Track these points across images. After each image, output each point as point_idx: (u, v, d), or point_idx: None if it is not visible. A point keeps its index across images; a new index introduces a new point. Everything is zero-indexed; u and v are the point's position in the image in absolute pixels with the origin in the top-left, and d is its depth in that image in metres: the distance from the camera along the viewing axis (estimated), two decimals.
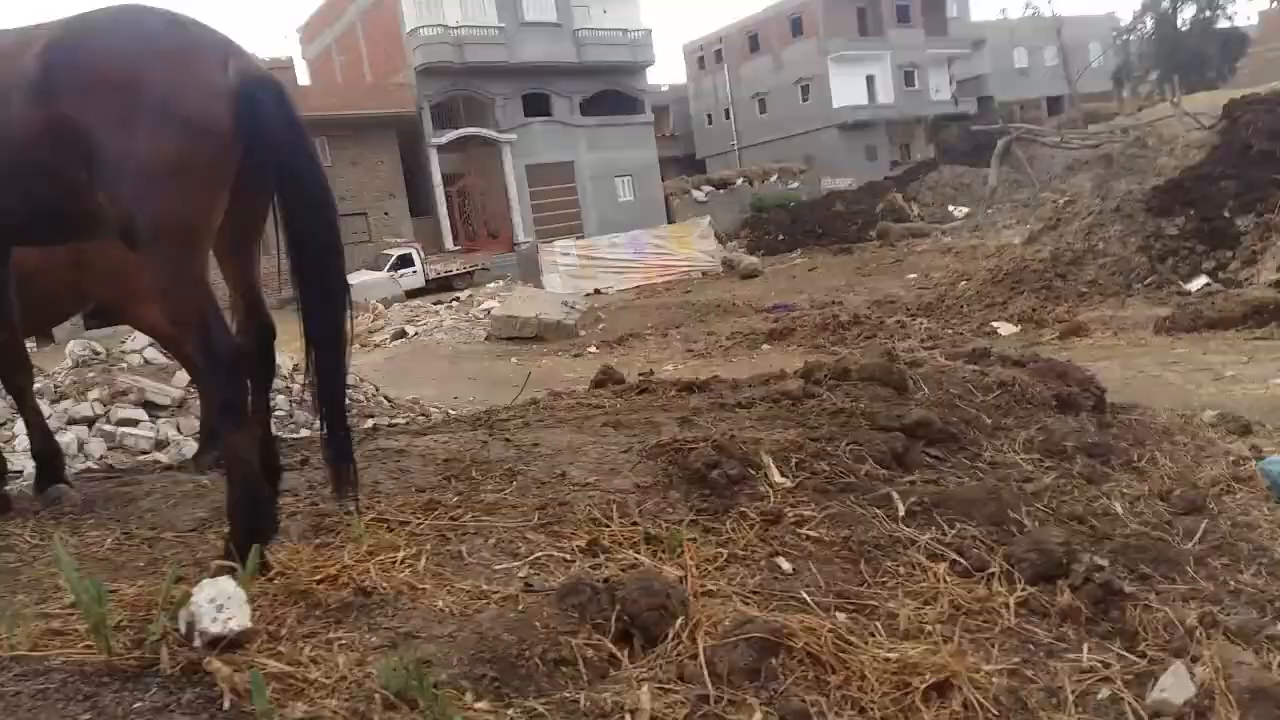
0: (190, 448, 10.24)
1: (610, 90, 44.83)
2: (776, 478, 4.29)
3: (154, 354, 11.84)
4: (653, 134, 46.97)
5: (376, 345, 21.14)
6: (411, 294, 33.23)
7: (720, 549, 3.49)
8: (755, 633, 2.66)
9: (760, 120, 56.86)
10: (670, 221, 43.79)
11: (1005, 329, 14.33)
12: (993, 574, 3.38)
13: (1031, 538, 3.66)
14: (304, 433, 8.57)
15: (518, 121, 41.70)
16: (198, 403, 11.27)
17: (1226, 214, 14.49)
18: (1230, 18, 55.85)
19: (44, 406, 10.41)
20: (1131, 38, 60.23)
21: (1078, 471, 4.90)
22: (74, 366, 11.39)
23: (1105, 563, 3.41)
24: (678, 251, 26.68)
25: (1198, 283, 14.07)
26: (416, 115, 39.25)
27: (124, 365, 11.38)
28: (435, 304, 25.58)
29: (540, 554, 3.25)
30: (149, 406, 10.84)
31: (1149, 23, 58.35)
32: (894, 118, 53.12)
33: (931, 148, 49.09)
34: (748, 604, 3.01)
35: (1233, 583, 3.49)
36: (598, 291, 25.18)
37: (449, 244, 39.68)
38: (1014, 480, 4.59)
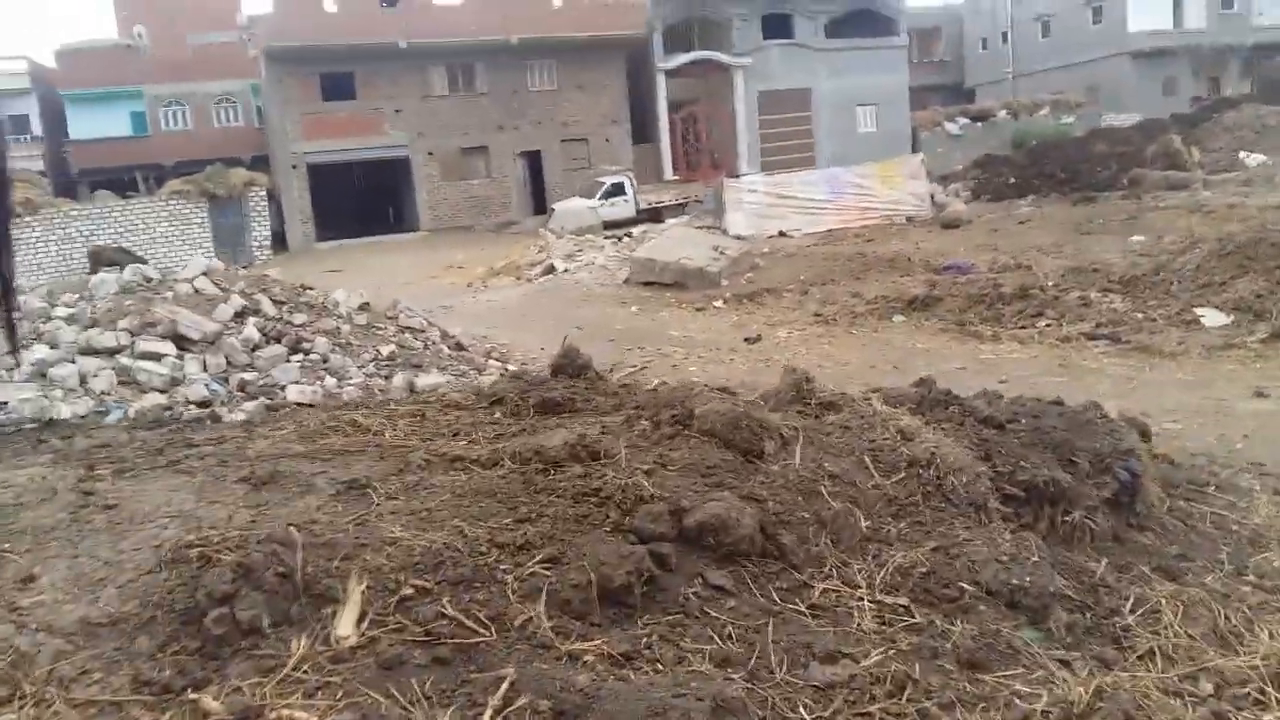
0: (197, 390, 9.76)
1: (862, 9, 41.10)
2: (343, 627, 2.65)
3: (205, 284, 11.49)
4: (905, 58, 42.80)
5: (525, 280, 20.37)
6: (620, 224, 32.21)
7: None
8: None
9: (1041, 45, 50.35)
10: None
11: (1212, 318, 11.00)
12: None
13: None
14: None
15: (754, 44, 39.26)
16: (229, 339, 10.84)
17: None
18: None
19: (70, 333, 10.32)
20: None
21: (956, 644, 2.86)
22: (118, 293, 11.26)
23: None
24: (881, 193, 23.70)
25: None
26: (647, 37, 37.85)
27: (169, 295, 11.08)
28: (610, 238, 24.44)
29: None
30: (180, 340, 10.45)
31: None
32: (1203, 44, 45.06)
33: (1248, 82, 41.23)
34: None
35: None
36: (782, 234, 22.88)
37: (668, 173, 38.35)
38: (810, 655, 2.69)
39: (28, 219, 31.37)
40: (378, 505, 3.20)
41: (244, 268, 32.87)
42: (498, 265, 23.19)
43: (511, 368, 11.78)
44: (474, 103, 36.98)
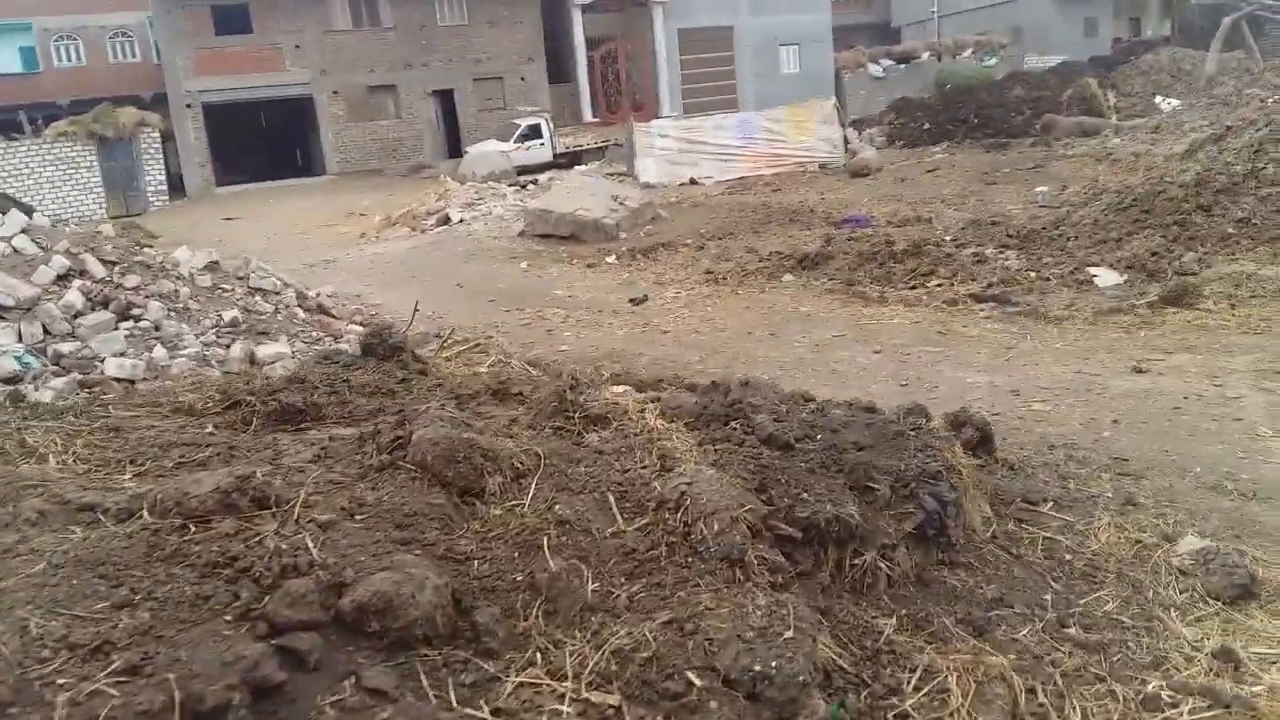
0: (5, 364, 8.78)
1: None
2: None
3: (25, 243, 10.39)
4: None
5: (420, 231, 19.35)
6: (537, 169, 31.03)
7: None
8: None
9: None
10: (838, 98, 39.26)
11: (1106, 277, 10.59)
12: None
13: None
14: None
15: None
16: (48, 305, 9.80)
17: None
18: None
19: None
20: None
21: None
22: None
23: None
24: (794, 138, 22.97)
25: None
26: None
27: None
28: (514, 186, 23.41)
29: None
30: None
31: None
32: None
33: (1167, 24, 41.17)
34: None
35: None
36: (694, 182, 22.12)
37: (587, 115, 37.16)
38: None
39: None
40: None
41: (137, 214, 31.23)
42: (395, 214, 22.08)
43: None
44: (380, 38, 35.16)
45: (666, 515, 2.84)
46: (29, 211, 31.34)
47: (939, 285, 10.95)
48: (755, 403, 3.74)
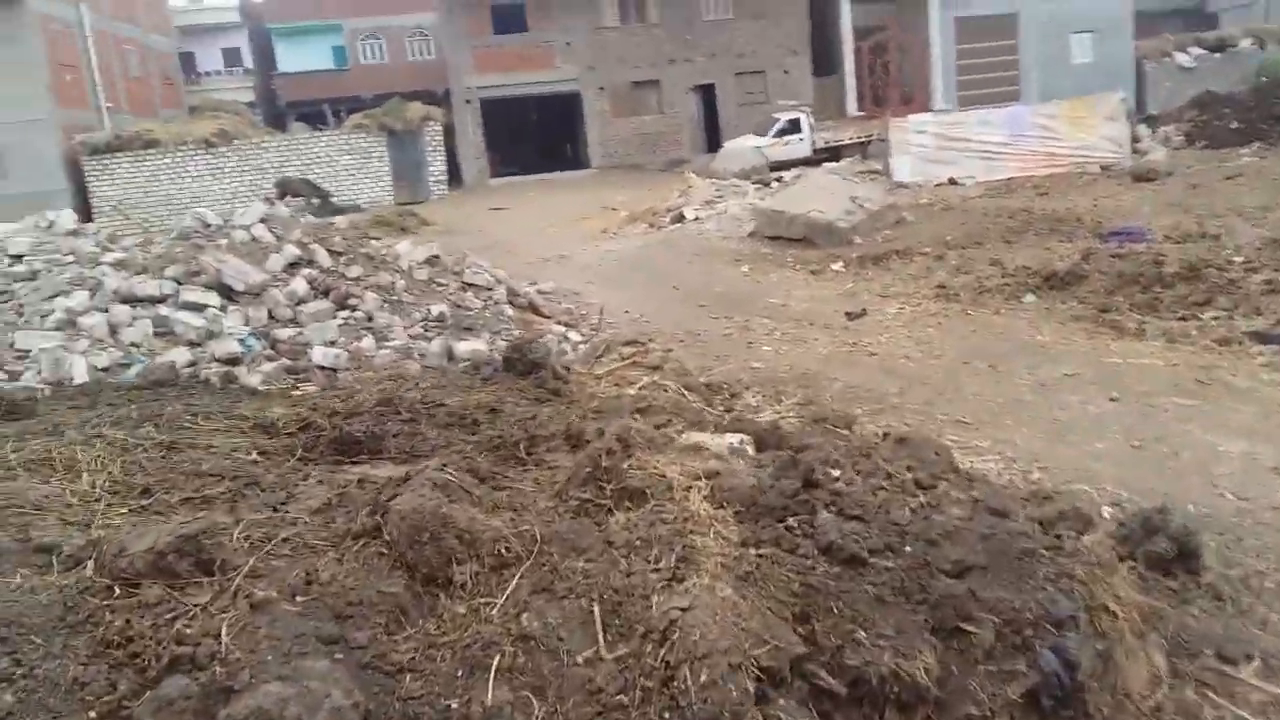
0: (227, 345, 9.35)
1: None
2: None
3: (262, 231, 11.09)
4: None
5: (654, 229, 19.18)
6: (793, 165, 30.16)
7: None
8: None
9: None
10: (1139, 92, 35.21)
11: None
12: None
13: None
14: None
15: None
16: (274, 291, 10.38)
17: None
18: None
19: (114, 279, 10.12)
20: None
21: None
22: (176, 238, 11.03)
23: None
24: (1071, 136, 20.62)
25: None
26: None
27: (224, 242, 10.75)
28: (758, 183, 22.70)
29: None
30: (227, 291, 10.11)
31: None
32: None
33: None
34: None
35: None
36: (953, 182, 20.46)
37: (852, 109, 35.70)
38: None
39: (223, 149, 33.05)
40: None
41: (419, 202, 33.59)
42: (638, 210, 22.13)
43: (572, 335, 10.83)
44: (646, 34, 35.58)
45: (648, 649, 2.20)
46: (326, 196, 34.66)
47: (1214, 319, 9.20)
48: (835, 487, 2.96)
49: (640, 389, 6.40)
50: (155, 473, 3.27)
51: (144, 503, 2.99)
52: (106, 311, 9.36)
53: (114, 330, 9.28)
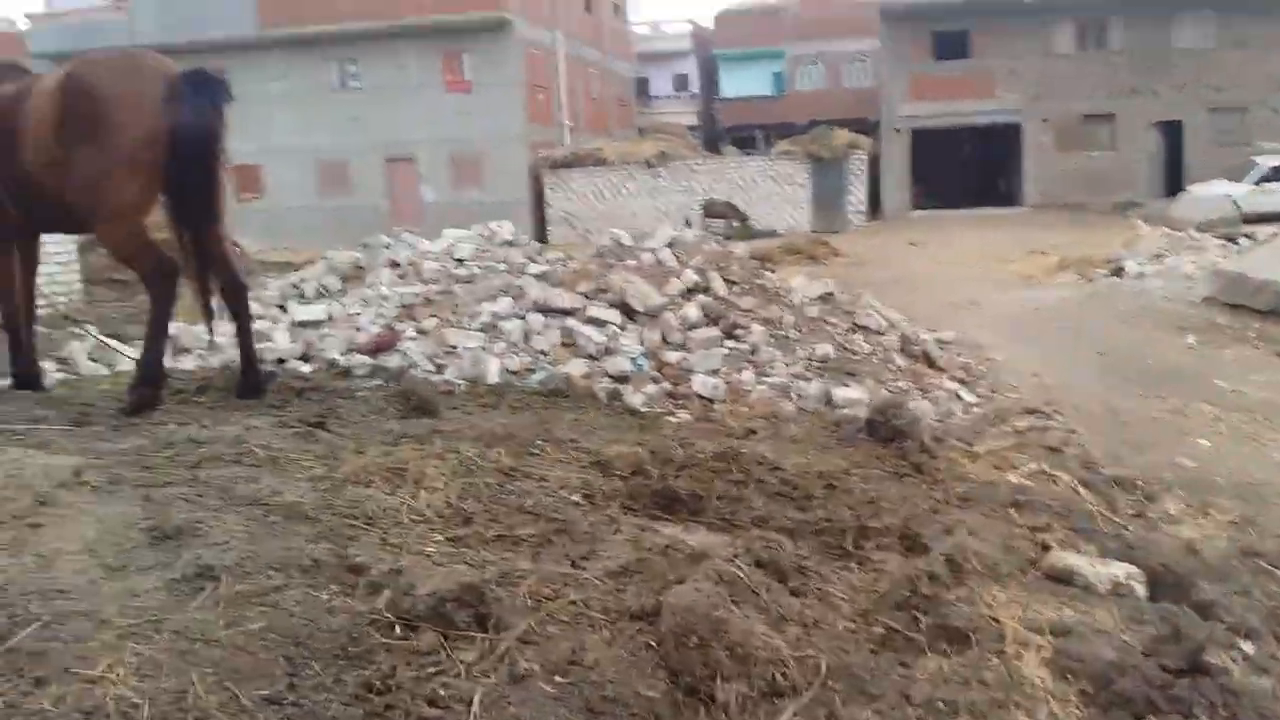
0: (618, 363, 9.85)
1: None
2: None
3: (668, 255, 11.53)
4: None
5: (1085, 280, 17.28)
6: (1271, 219, 25.75)
7: None
8: None
9: None
10: None
11: None
12: None
13: None
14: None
15: None
16: (668, 315, 10.73)
17: None
18: None
19: (538, 290, 11.01)
20: None
21: None
22: (596, 255, 11.75)
23: None
24: None
25: None
26: None
27: (632, 262, 11.32)
28: (1224, 239, 19.54)
29: None
30: (628, 309, 10.66)
31: None
32: None
33: None
34: None
35: None
36: None
37: None
38: None
39: (661, 169, 35.51)
40: None
41: (835, 232, 33.59)
42: (1071, 256, 20.21)
43: (965, 394, 10.03)
44: (1103, 62, 32.38)
45: None
46: (744, 219, 35.78)
47: None
48: (1233, 682, 2.19)
49: (1026, 475, 5.65)
50: (485, 500, 3.37)
51: (460, 532, 3.08)
52: (524, 319, 10.25)
53: (527, 336, 10.13)
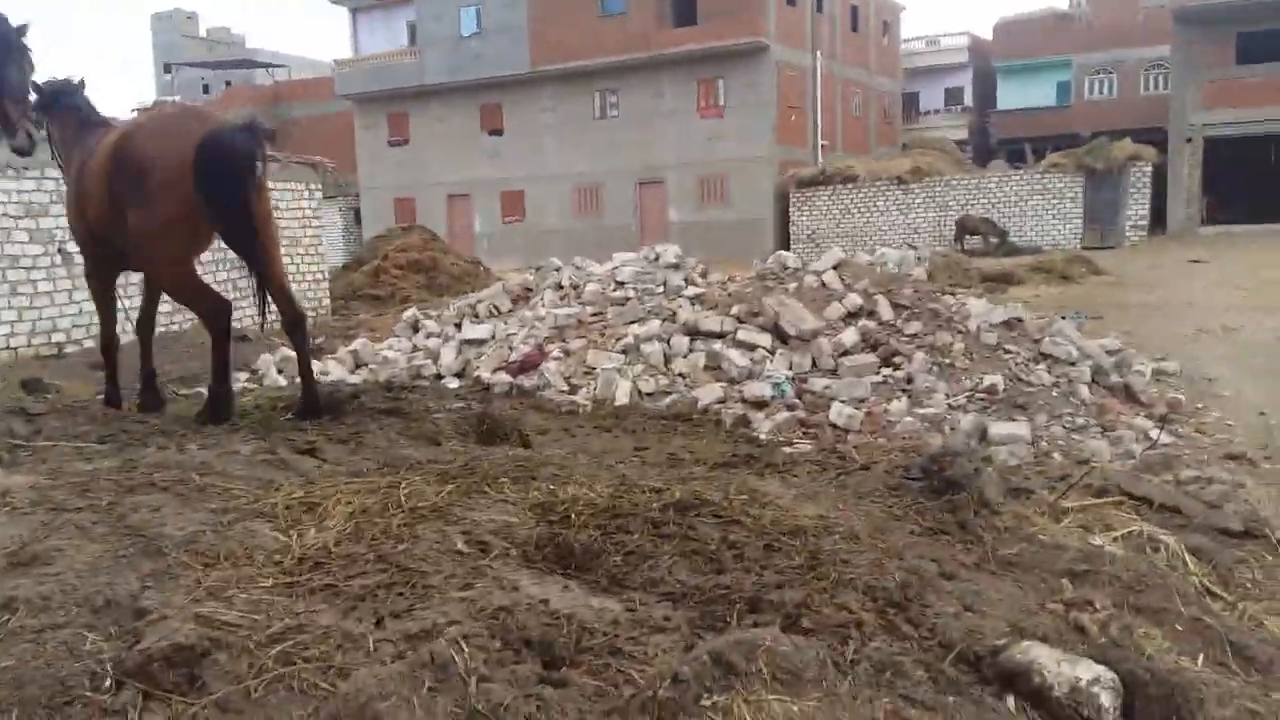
0: (757, 388, 9.49)
1: None
2: None
3: (832, 278, 11.03)
4: None
5: None
6: None
7: None
8: None
9: None
10: None
11: None
12: None
13: None
14: None
15: None
16: (823, 340, 10.19)
17: None
18: None
19: (688, 312, 10.82)
20: None
21: None
22: (756, 277, 11.36)
23: None
24: None
25: None
26: None
27: (793, 285, 10.87)
28: None
29: None
30: (780, 333, 10.28)
31: None
32: None
33: None
34: None
35: None
36: None
37: None
38: None
39: (914, 186, 34.03)
40: None
41: (1108, 248, 30.50)
42: None
43: (1156, 434, 8.74)
44: None
45: None
46: (1004, 235, 33.33)
47: None
48: None
49: (1119, 536, 4.78)
50: (365, 543, 3.25)
51: (295, 579, 2.99)
52: (666, 342, 10.12)
53: (668, 359, 10.01)
